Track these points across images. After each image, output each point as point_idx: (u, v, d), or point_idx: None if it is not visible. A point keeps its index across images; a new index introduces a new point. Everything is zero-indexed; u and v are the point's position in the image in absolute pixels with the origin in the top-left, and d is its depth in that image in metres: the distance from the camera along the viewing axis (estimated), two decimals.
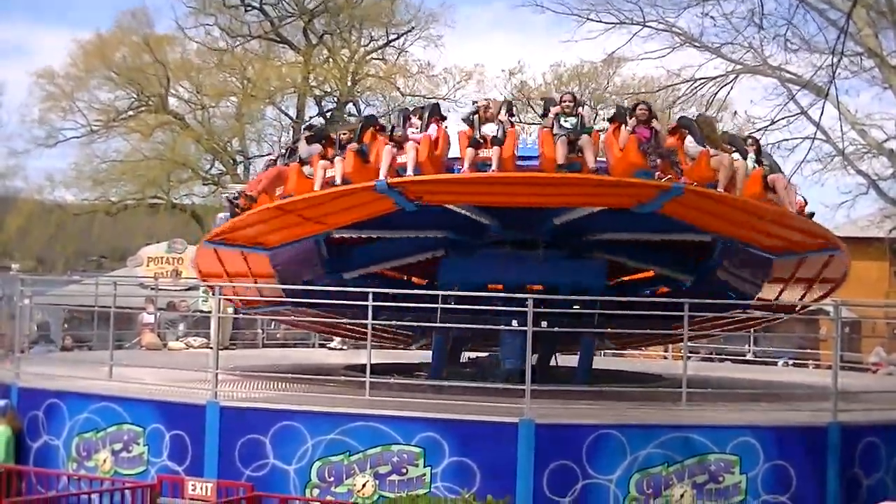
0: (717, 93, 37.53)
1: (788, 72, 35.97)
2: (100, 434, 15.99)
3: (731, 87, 37.10)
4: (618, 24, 37.53)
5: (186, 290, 35.44)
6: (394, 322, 17.67)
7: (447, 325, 17.63)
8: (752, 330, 27.78)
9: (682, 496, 14.54)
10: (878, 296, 38.38)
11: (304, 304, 19.32)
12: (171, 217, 65.39)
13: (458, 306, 17.30)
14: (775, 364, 31.54)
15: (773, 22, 32.14)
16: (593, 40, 47.10)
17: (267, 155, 20.39)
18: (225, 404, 15.20)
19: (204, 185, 67.09)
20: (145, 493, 14.65)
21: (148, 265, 41.80)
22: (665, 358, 31.17)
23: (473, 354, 21.60)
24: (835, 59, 15.30)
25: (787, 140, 36.66)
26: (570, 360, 20.77)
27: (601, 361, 24.18)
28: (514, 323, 16.20)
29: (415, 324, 18.66)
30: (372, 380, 15.60)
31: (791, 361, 32.28)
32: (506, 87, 68.80)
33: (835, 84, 17.42)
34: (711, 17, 34.44)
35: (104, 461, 15.86)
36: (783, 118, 36.24)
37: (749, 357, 31.43)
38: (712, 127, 18.42)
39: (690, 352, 28.72)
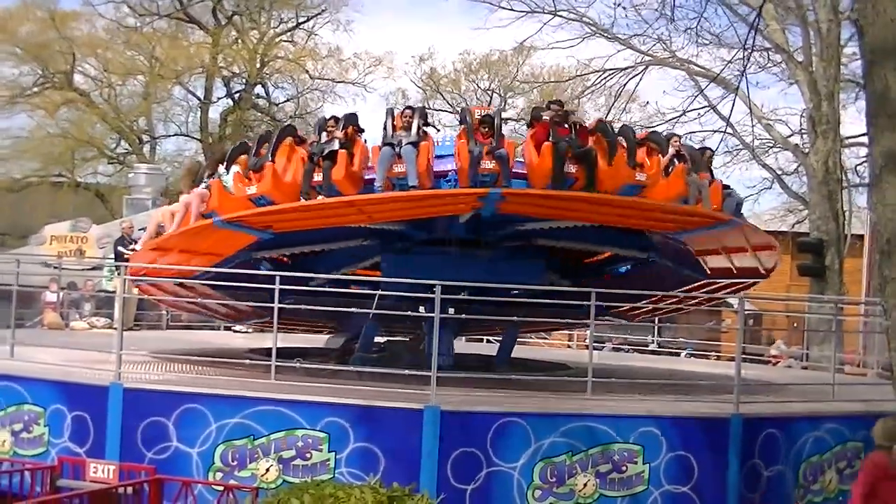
0: (626, 84, 37.74)
1: (697, 65, 36.35)
2: None
3: (641, 79, 37.36)
4: (529, 12, 37.61)
5: (90, 269, 35.08)
6: (303, 307, 17.48)
7: (359, 311, 17.61)
8: (656, 320, 28.14)
9: (585, 485, 14.61)
10: (780, 289, 38.83)
11: (223, 286, 19.06)
12: (75, 195, 64.47)
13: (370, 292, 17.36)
14: (678, 355, 31.88)
15: (683, 14, 32.46)
16: (504, 28, 47.25)
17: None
18: (128, 386, 15.00)
19: (109, 163, 66.57)
20: (45, 475, 14.48)
21: (51, 243, 41.26)
22: (569, 346, 31.42)
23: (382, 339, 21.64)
24: (745, 55, 15.45)
25: (695, 132, 37.06)
26: (476, 349, 20.83)
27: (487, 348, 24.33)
28: (421, 309, 16.20)
29: (326, 308, 18.48)
30: (277, 363, 15.50)
31: (694, 352, 32.69)
32: (416, 73, 68.95)
33: (746, 78, 17.53)
34: (623, 7, 34.62)
35: (3, 442, 15.57)
36: (693, 110, 36.67)
37: (653, 347, 31.80)
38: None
39: (596, 341, 28.99)
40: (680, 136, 19.22)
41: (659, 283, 20.15)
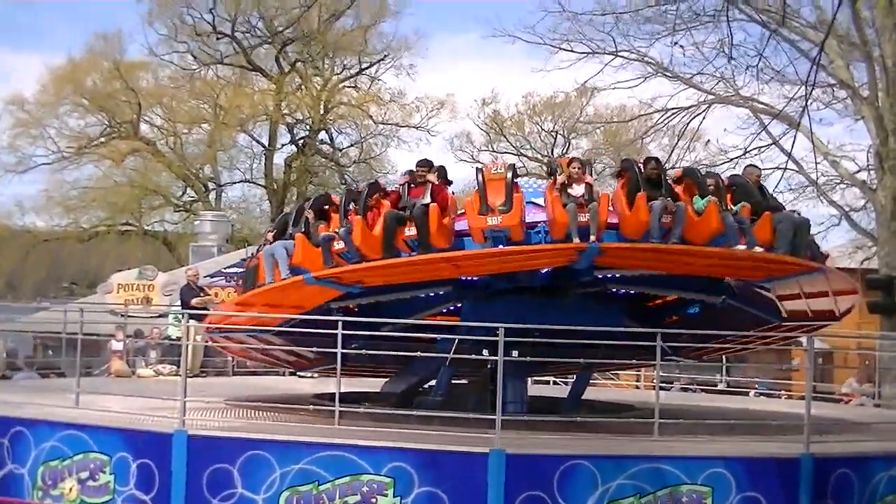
0: (689, 122, 37.54)
1: (760, 102, 36.01)
2: (66, 462, 15.70)
3: (704, 117, 37.13)
4: (590, 53, 37.50)
5: (157, 317, 35.28)
6: (365, 351, 17.46)
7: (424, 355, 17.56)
8: (724, 359, 27.88)
9: None
10: (850, 326, 38.40)
11: (295, 333, 19.03)
12: (142, 244, 65.32)
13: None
14: (747, 394, 31.52)
15: (743, 52, 32.20)
16: (566, 70, 47.16)
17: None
18: (192, 433, 14.99)
19: (175, 211, 67.25)
20: None
21: (118, 292, 41.58)
22: (637, 387, 31.15)
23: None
24: (807, 90, 15.33)
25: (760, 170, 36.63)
26: (541, 391, 20.69)
27: (555, 390, 24.17)
28: (485, 352, 16.10)
29: (392, 353, 18.40)
30: (341, 409, 15.45)
31: (763, 392, 32.31)
32: (479, 115, 69.08)
33: (808, 114, 17.36)
34: (681, 47, 34.50)
35: (70, 489, 15.59)
36: (755, 148, 36.34)
37: (721, 387, 31.47)
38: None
39: (664, 382, 28.73)
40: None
41: (729, 325, 19.89)
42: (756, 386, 33.60)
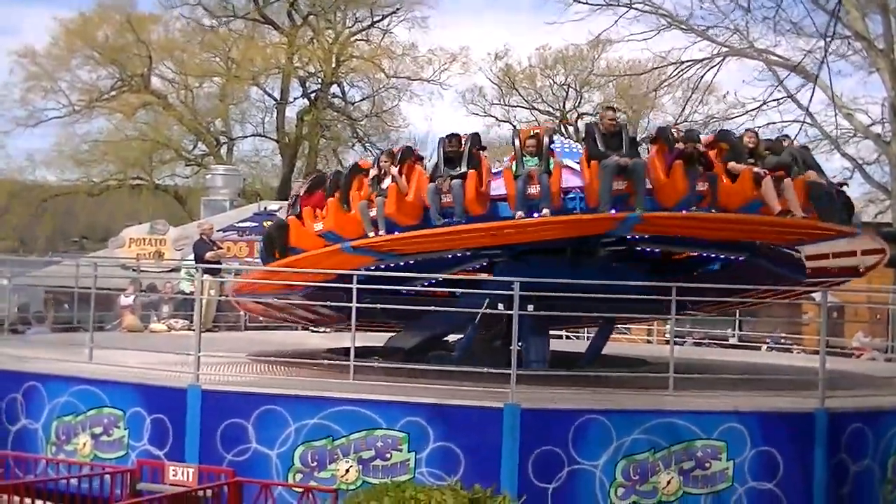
0: (703, 75, 37.33)
1: (775, 55, 35.86)
2: (79, 417, 15.75)
3: (718, 70, 36.88)
4: (604, 5, 37.22)
5: (168, 271, 35.27)
6: (382, 306, 17.38)
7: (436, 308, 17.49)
8: (737, 314, 27.83)
9: (668, 483, 14.42)
10: (862, 280, 38.33)
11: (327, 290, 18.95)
12: (153, 198, 65.27)
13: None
14: (759, 348, 31.50)
15: (760, 4, 32.08)
16: (579, 23, 46.84)
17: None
18: (207, 388, 15.02)
19: (187, 166, 67.14)
20: (125, 478, 14.48)
21: (129, 246, 41.60)
22: (649, 341, 31.12)
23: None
24: (826, 43, 15.16)
25: (775, 123, 36.60)
26: (556, 345, 20.65)
27: (583, 345, 24.11)
28: (500, 307, 16.04)
29: (411, 308, 18.27)
30: (356, 363, 15.45)
31: (775, 346, 32.28)
32: (491, 69, 68.79)
33: (828, 67, 17.08)
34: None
35: (84, 445, 15.63)
36: (773, 100, 36.16)
37: (733, 341, 31.44)
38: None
39: (677, 336, 28.69)
40: (755, 132, 18.84)
41: (749, 280, 19.78)
42: (768, 340, 33.57)
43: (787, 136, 19.24)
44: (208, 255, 25.62)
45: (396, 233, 16.98)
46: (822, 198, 17.34)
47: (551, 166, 16.79)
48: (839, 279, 20.79)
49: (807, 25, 34.16)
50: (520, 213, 16.46)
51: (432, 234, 16.81)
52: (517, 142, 17.29)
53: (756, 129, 18.80)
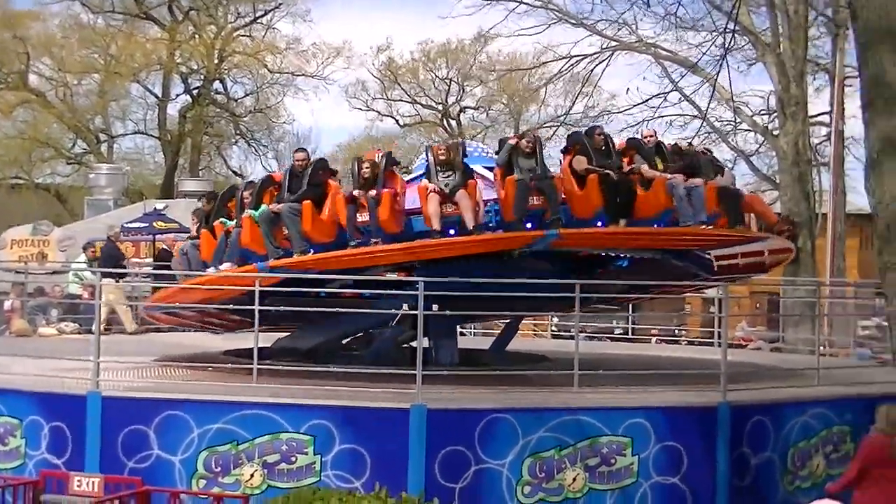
0: (592, 69, 37.63)
1: (664, 49, 36.28)
2: None
3: (607, 65, 37.23)
4: (494, 0, 37.39)
5: (52, 273, 34.58)
6: (290, 308, 17.24)
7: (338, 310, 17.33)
8: (630, 307, 28.12)
9: (574, 479, 14.51)
10: None
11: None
12: (34, 197, 63.92)
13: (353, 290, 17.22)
14: (649, 341, 31.79)
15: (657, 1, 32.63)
16: (470, 17, 47.01)
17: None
18: (107, 394, 14.71)
19: (67, 164, 65.94)
20: (28, 490, 14.12)
21: (12, 248, 40.73)
22: (536, 336, 31.09)
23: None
24: (726, 41, 15.29)
25: (663, 117, 37.11)
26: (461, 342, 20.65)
27: (474, 342, 24.17)
28: (405, 307, 15.97)
29: (319, 310, 18.06)
30: (259, 366, 15.27)
31: (663, 338, 32.62)
32: (373, 63, 68.67)
33: (728, 65, 17.14)
34: None
35: None
36: (661, 94, 36.64)
37: (619, 333, 31.68)
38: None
39: (566, 330, 28.87)
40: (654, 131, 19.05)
41: (653, 275, 19.95)
42: (657, 332, 33.89)
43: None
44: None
45: (312, 252, 16.86)
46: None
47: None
48: (745, 275, 21.10)
49: (689, 18, 34.89)
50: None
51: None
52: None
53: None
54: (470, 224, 16.28)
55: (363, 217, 16.62)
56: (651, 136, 18.11)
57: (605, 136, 17.61)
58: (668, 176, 17.05)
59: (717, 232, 17.48)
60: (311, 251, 16.75)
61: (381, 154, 17.65)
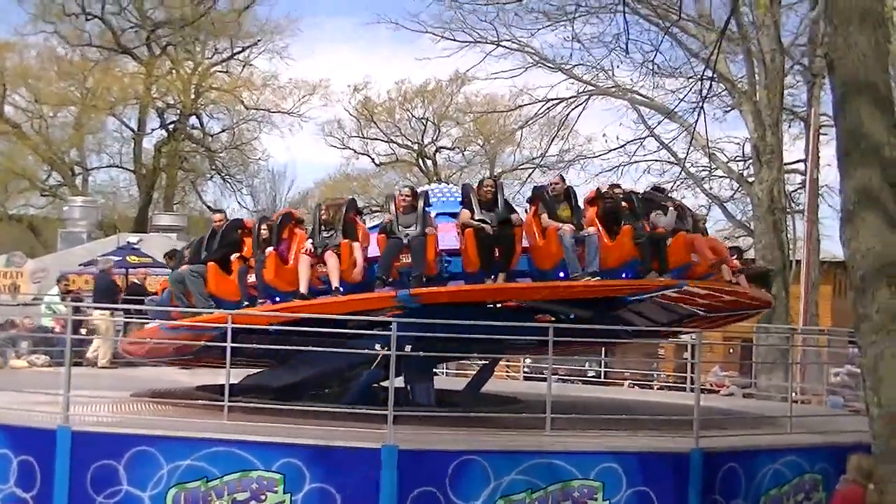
0: (568, 113, 37.82)
1: (640, 94, 36.43)
2: None
3: (584, 108, 37.41)
4: (472, 42, 37.55)
5: (24, 305, 34.41)
6: (264, 346, 17.30)
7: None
8: (604, 351, 28.13)
9: None
10: None
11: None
12: (7, 228, 63.66)
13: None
14: (621, 384, 31.74)
15: (635, 48, 32.98)
16: (448, 59, 47.12)
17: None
18: (76, 428, 14.57)
19: (42, 195, 65.72)
20: None
21: None
22: (509, 377, 31.03)
23: None
24: (702, 89, 15.37)
25: (637, 162, 37.29)
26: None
27: (447, 381, 24.10)
28: (378, 347, 15.94)
29: (292, 348, 17.97)
30: (230, 403, 15.18)
31: (635, 382, 32.58)
32: (350, 101, 68.77)
33: (704, 113, 17.10)
34: (579, 41, 35.13)
35: None
36: (637, 139, 36.85)
37: (591, 376, 31.65)
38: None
39: (538, 372, 28.79)
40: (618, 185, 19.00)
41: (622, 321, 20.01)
42: (628, 376, 33.87)
43: (662, 188, 19.38)
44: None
45: (277, 300, 17.07)
46: (654, 249, 17.39)
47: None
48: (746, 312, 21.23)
49: (667, 65, 35.18)
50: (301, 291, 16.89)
51: (311, 305, 16.68)
52: (392, 206, 17.42)
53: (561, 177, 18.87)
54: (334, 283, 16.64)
55: (322, 269, 16.97)
56: (557, 184, 17.89)
57: (494, 187, 17.52)
58: (559, 225, 16.84)
59: (603, 284, 17.01)
60: (275, 300, 17.14)
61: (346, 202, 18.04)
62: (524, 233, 17.15)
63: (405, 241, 16.72)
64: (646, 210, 17.74)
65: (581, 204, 17.72)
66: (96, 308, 25.29)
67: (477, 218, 16.85)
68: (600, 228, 17.08)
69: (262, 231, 17.54)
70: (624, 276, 17.11)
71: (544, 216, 17.10)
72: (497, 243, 16.75)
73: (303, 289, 16.71)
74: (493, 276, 16.70)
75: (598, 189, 18.51)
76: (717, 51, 17.66)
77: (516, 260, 17.01)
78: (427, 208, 17.41)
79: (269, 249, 17.09)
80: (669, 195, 18.19)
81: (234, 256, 17.98)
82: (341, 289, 16.59)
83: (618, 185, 18.67)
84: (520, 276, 17.19)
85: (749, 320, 23.71)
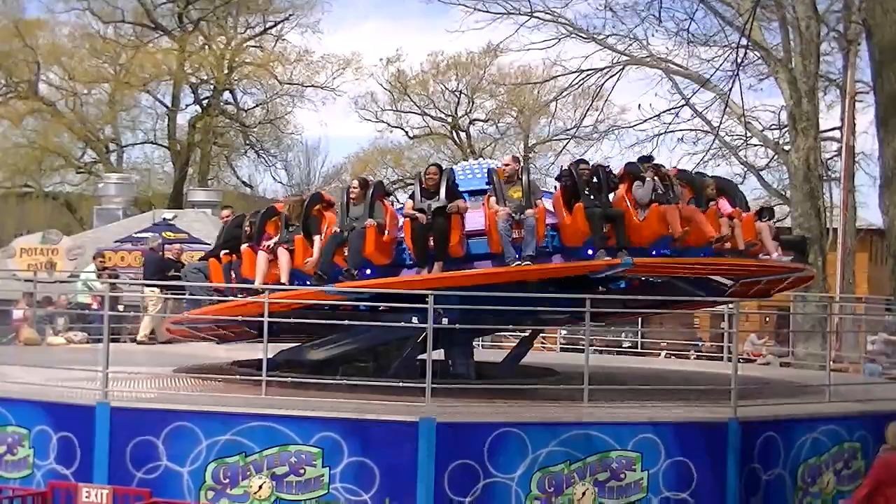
0: (602, 83, 37.63)
1: (675, 63, 36.23)
2: None
3: (618, 79, 37.21)
4: (505, 14, 37.42)
5: (61, 282, 34.55)
6: (302, 321, 17.29)
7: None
8: (640, 322, 28.09)
9: (583, 494, 14.38)
10: None
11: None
12: (43, 206, 63.98)
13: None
14: (658, 355, 31.71)
15: (668, 16, 32.81)
16: (480, 31, 46.97)
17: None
18: (115, 405, 14.65)
19: (77, 173, 65.97)
20: (36, 502, 14.08)
21: (21, 256, 40.64)
22: (545, 349, 31.05)
23: None
24: (737, 57, 15.25)
25: (673, 132, 37.11)
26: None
27: (483, 354, 24.09)
28: (415, 320, 15.91)
29: (331, 322, 17.98)
30: (268, 378, 15.23)
31: (672, 352, 32.54)
32: (383, 75, 68.64)
33: (740, 81, 17.04)
34: (612, 10, 35.00)
35: None
36: (672, 109, 36.60)
37: (627, 346, 31.64)
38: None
39: (575, 344, 28.82)
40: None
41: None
42: (666, 346, 33.82)
43: (649, 157, 19.15)
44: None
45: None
46: (612, 224, 17.29)
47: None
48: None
49: (700, 33, 34.94)
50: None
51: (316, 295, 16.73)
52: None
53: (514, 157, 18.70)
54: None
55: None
56: (508, 165, 17.70)
57: (437, 174, 17.26)
58: (497, 209, 16.69)
59: (540, 268, 16.88)
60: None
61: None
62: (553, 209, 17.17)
63: (345, 234, 16.78)
64: (619, 183, 17.65)
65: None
66: (142, 285, 25.46)
67: (415, 207, 16.81)
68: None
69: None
70: (590, 252, 17.01)
71: (491, 200, 17.02)
72: (430, 232, 16.63)
73: (284, 279, 16.87)
74: (428, 267, 16.63)
75: (561, 167, 18.48)
76: (751, 18, 17.48)
77: (459, 248, 16.90)
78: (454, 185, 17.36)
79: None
80: (653, 165, 17.82)
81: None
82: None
83: (584, 161, 18.48)
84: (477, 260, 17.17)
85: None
